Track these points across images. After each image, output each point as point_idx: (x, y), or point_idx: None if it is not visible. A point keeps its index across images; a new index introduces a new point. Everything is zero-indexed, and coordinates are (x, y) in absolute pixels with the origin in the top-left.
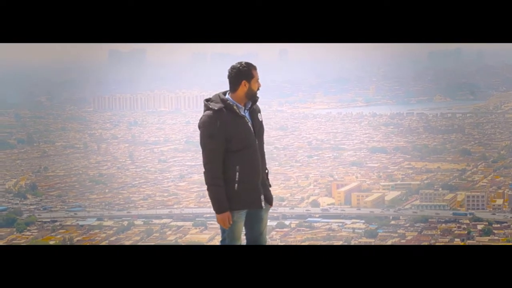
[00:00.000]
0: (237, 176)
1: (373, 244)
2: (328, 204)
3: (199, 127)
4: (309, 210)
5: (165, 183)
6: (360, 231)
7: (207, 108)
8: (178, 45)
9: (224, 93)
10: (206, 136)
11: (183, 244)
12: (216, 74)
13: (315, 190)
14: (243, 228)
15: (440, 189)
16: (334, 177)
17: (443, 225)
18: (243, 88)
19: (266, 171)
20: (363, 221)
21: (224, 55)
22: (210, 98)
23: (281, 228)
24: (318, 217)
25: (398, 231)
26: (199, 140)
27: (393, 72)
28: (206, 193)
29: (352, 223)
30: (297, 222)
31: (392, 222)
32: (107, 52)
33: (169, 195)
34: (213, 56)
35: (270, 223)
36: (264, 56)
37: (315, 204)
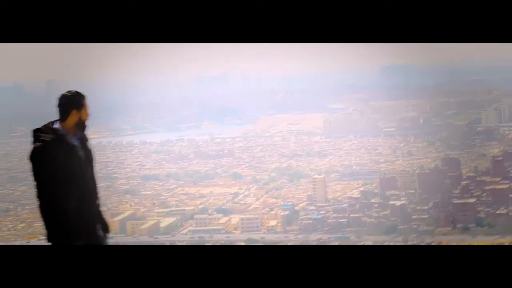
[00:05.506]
0: (71, 206)
1: None
2: None
3: (31, 159)
4: None
5: None
6: None
7: (37, 139)
8: None
9: (53, 123)
10: (39, 169)
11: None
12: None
13: None
14: None
15: (215, 213)
16: (108, 206)
17: None
18: (73, 117)
19: (98, 201)
20: None
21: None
22: (39, 129)
23: None
24: None
25: None
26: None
27: (159, 99)
28: None
29: None
30: None
31: None
32: None
33: None
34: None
35: None
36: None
37: None
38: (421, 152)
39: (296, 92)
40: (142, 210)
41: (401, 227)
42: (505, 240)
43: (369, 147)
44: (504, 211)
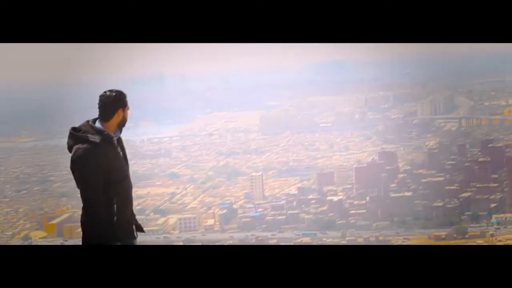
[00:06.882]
0: (115, 209)
1: None
2: (40, 238)
3: (75, 161)
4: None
5: None
6: None
7: (82, 140)
8: None
9: (94, 121)
10: (87, 170)
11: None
12: None
13: (26, 225)
14: None
15: (152, 214)
16: (44, 210)
17: None
18: (117, 117)
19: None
20: None
21: None
22: (79, 128)
23: None
24: None
25: None
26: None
27: (95, 101)
28: None
29: None
30: None
31: None
32: None
33: None
34: None
35: None
36: None
37: (26, 238)
38: (357, 147)
39: (233, 90)
40: (79, 212)
41: (339, 222)
42: (441, 233)
43: (306, 143)
44: (440, 204)
